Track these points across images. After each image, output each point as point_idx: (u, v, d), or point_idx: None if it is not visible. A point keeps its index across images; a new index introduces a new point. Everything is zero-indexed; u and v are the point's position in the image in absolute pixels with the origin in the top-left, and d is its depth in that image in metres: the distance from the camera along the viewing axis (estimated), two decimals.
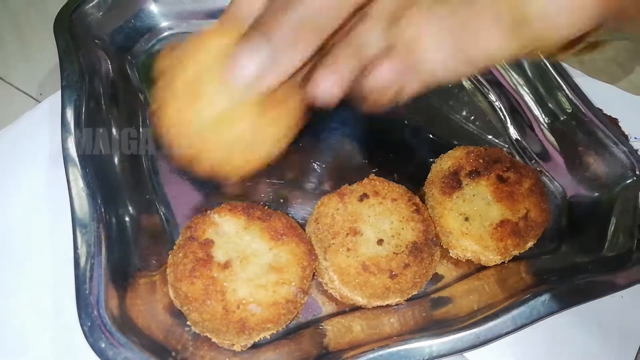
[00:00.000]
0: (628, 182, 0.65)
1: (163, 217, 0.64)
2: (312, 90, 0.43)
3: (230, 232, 0.54)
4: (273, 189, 0.69)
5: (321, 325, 0.57)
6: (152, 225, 0.62)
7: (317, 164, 0.73)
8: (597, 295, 0.55)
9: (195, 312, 0.49)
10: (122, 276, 0.54)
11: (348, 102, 0.78)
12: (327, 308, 0.60)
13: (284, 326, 0.54)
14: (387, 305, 0.58)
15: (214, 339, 0.52)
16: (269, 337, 0.53)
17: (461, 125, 0.80)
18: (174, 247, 0.55)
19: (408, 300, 0.59)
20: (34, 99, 0.85)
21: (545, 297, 0.53)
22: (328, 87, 0.42)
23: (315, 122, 0.76)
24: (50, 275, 0.62)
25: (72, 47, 0.69)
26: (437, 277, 0.63)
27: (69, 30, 0.70)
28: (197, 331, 0.53)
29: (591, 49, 0.43)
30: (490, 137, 0.79)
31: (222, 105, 0.45)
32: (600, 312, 0.62)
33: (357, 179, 0.64)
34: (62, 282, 0.61)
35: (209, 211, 0.56)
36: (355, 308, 0.59)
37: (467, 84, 0.86)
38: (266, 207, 0.60)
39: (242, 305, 0.49)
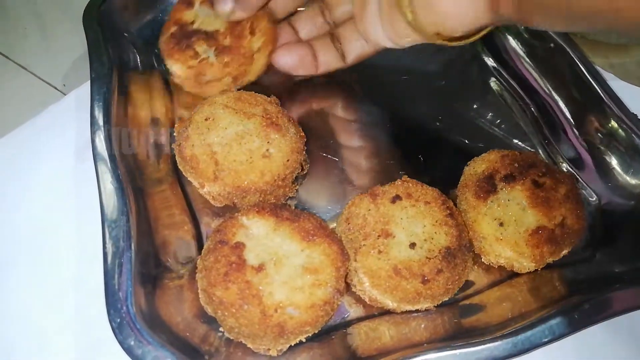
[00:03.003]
0: None
1: (187, 218, 0.63)
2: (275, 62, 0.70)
3: (260, 234, 0.53)
4: (299, 189, 0.68)
5: (350, 329, 0.56)
6: (176, 225, 0.62)
7: (344, 165, 0.72)
8: (638, 307, 0.53)
9: (232, 318, 0.48)
10: (150, 274, 0.53)
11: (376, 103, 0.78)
12: (355, 310, 0.59)
13: (320, 328, 0.52)
14: (417, 311, 0.57)
15: (249, 345, 0.51)
16: (304, 340, 0.52)
17: (488, 129, 0.79)
18: (203, 252, 0.54)
19: (438, 306, 0.57)
20: (58, 89, 0.85)
21: (584, 308, 0.52)
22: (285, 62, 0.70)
23: (343, 123, 0.76)
24: (74, 272, 0.61)
25: (100, 39, 0.68)
26: (467, 284, 0.61)
27: (98, 22, 0.69)
28: (231, 337, 0.52)
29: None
30: (516, 141, 0.77)
31: (236, 128, 0.61)
32: (635, 322, 0.60)
33: (384, 180, 0.62)
34: (86, 278, 0.60)
35: (236, 213, 0.55)
36: (384, 312, 0.58)
37: (495, 85, 0.84)
38: (292, 207, 0.60)
39: (279, 309, 0.48)
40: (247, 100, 0.64)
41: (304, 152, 0.65)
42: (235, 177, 0.58)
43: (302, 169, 0.67)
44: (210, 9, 0.72)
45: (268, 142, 0.60)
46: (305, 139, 0.66)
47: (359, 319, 0.58)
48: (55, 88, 0.85)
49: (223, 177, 0.58)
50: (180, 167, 0.62)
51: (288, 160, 0.60)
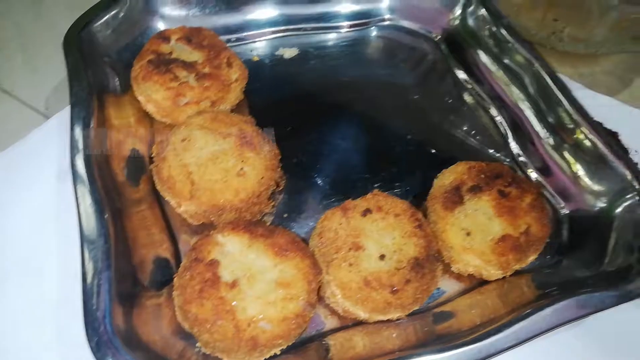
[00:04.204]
0: (628, 196, 0.65)
1: (166, 236, 0.65)
2: None
3: (235, 251, 0.55)
4: (276, 204, 0.70)
5: (325, 340, 0.58)
6: (154, 244, 0.63)
7: (320, 179, 0.74)
8: (598, 310, 0.55)
9: (207, 333, 0.50)
10: (128, 292, 0.55)
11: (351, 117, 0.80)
12: (330, 322, 0.60)
13: (294, 341, 0.54)
14: (388, 320, 0.59)
15: (225, 359, 0.53)
16: (278, 352, 0.54)
17: (462, 140, 0.81)
18: (179, 270, 0.56)
19: (410, 315, 0.59)
20: (41, 113, 0.86)
21: (546, 312, 0.54)
22: None
23: (318, 137, 0.78)
24: (56, 291, 0.63)
25: (80, 64, 0.70)
26: (439, 292, 0.63)
27: (78, 48, 0.72)
28: (207, 352, 0.53)
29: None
30: (491, 151, 0.80)
31: (212, 147, 0.62)
32: (602, 325, 0.62)
33: (360, 193, 0.64)
34: (68, 297, 0.61)
35: (212, 231, 0.57)
36: (358, 322, 0.60)
37: (469, 98, 0.87)
38: (268, 223, 0.62)
39: (252, 324, 0.50)
40: (223, 120, 0.66)
41: (279, 169, 0.67)
42: (210, 196, 0.60)
43: (278, 186, 0.69)
44: (186, 45, 0.75)
45: (242, 161, 0.62)
46: (281, 156, 0.68)
47: (334, 330, 0.60)
48: (38, 111, 0.86)
49: (199, 197, 0.60)
50: (157, 187, 0.64)
51: (262, 178, 0.63)
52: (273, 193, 0.68)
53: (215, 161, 0.62)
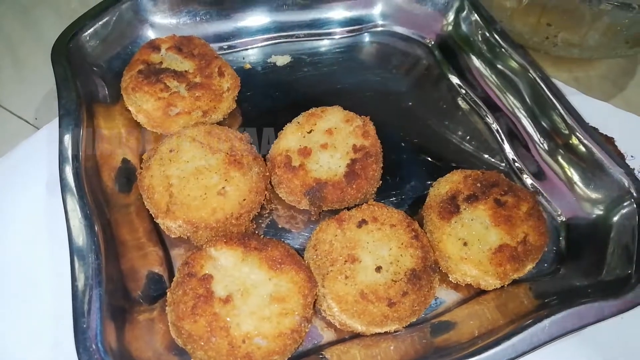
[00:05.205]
0: (625, 204, 0.65)
1: (159, 250, 0.64)
2: None
3: (228, 265, 0.54)
4: (269, 216, 0.69)
5: (322, 353, 0.57)
6: (146, 257, 0.62)
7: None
8: (598, 320, 0.54)
9: (200, 350, 0.49)
10: (120, 309, 0.54)
11: None
12: (327, 335, 0.59)
13: (290, 356, 0.53)
14: (386, 332, 0.58)
15: None
16: None
17: (457, 145, 0.81)
18: (172, 285, 0.54)
19: (408, 326, 0.58)
20: (30, 123, 0.85)
21: (545, 324, 0.53)
22: None
23: None
24: (50, 307, 0.61)
25: (69, 75, 0.69)
26: (436, 302, 0.63)
27: (67, 58, 0.71)
28: None
29: None
30: (486, 156, 0.79)
31: (198, 162, 0.61)
32: (600, 333, 0.61)
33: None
34: (62, 313, 0.60)
35: (204, 245, 0.56)
36: (355, 335, 0.59)
37: (463, 104, 0.86)
38: (262, 235, 0.60)
39: (247, 340, 0.49)
40: (217, 135, 0.65)
41: (267, 193, 0.65)
42: (186, 211, 0.58)
43: (265, 208, 0.67)
44: (177, 54, 0.74)
45: (226, 180, 0.60)
46: (270, 179, 0.67)
47: (331, 343, 0.59)
48: (27, 122, 0.85)
49: (174, 211, 0.58)
50: (141, 193, 0.63)
51: (244, 200, 0.61)
52: (259, 215, 0.66)
53: (198, 176, 0.60)
